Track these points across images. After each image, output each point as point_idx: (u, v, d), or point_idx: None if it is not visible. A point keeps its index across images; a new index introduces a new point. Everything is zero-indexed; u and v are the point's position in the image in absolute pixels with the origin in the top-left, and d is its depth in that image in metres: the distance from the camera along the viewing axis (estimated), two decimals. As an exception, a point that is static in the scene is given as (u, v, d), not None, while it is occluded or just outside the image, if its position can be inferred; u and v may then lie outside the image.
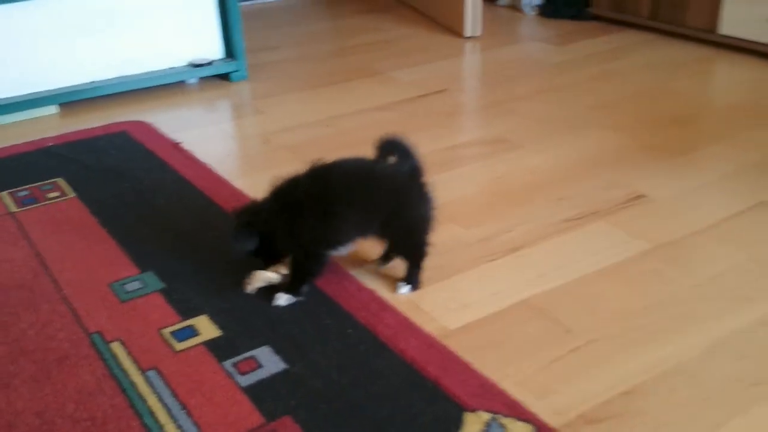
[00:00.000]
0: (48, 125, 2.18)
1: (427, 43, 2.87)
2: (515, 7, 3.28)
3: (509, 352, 1.20)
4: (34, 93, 2.23)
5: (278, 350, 1.21)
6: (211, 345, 1.23)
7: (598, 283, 1.37)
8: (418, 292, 1.36)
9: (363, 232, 1.33)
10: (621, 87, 2.37)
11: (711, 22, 2.67)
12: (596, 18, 3.07)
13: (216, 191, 1.75)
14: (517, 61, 2.68)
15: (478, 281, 1.38)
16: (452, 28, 2.98)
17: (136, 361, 1.20)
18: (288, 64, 2.70)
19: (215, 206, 1.68)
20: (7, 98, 2.19)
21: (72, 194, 1.76)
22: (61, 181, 1.82)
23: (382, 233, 1.33)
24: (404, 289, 1.36)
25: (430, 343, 1.22)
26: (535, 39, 2.93)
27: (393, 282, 1.38)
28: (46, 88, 2.25)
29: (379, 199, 1.30)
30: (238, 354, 1.21)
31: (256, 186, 1.70)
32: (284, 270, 1.36)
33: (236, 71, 2.51)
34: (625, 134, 2.01)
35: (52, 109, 2.27)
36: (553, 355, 1.19)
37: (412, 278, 1.36)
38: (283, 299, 1.32)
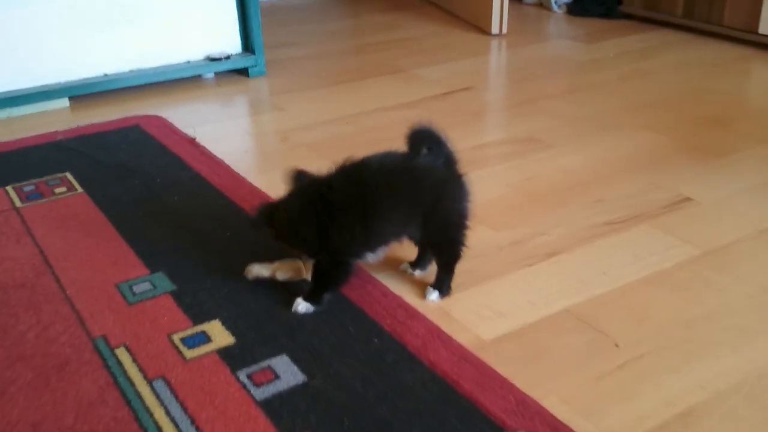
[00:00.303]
0: (58, 119, 2.09)
1: (451, 41, 2.77)
2: (542, 5, 3.18)
3: (551, 366, 1.09)
4: (44, 85, 2.15)
5: (297, 360, 1.11)
6: (225, 353, 1.13)
7: (645, 291, 1.26)
8: (448, 299, 1.25)
9: (399, 234, 1.23)
10: (656, 86, 2.26)
11: (750, 21, 2.55)
12: (627, 17, 2.96)
13: (232, 189, 1.65)
14: (546, 59, 2.57)
15: (512, 288, 1.28)
16: (478, 25, 2.88)
17: (142, 369, 1.10)
18: (307, 61, 2.61)
19: (231, 204, 1.59)
20: (16, 90, 2.12)
21: (80, 190, 1.67)
22: (69, 176, 1.73)
23: (419, 231, 1.23)
24: (433, 295, 1.25)
25: (463, 354, 1.11)
26: (563, 37, 2.83)
27: (421, 287, 1.28)
28: (57, 81, 2.17)
29: (420, 196, 1.19)
30: (254, 363, 1.11)
31: (273, 184, 1.62)
32: (283, 271, 1.28)
33: (254, 66, 2.42)
34: (664, 135, 1.90)
35: (63, 103, 2.19)
36: (600, 370, 1.08)
37: (443, 283, 1.26)
38: (302, 306, 1.22)
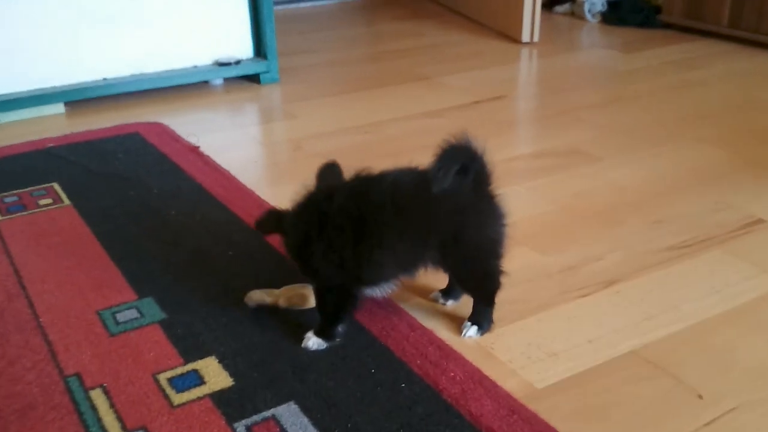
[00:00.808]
0: (52, 125, 1.92)
1: (477, 49, 2.59)
2: (575, 14, 2.99)
3: (622, 423, 0.88)
4: (38, 89, 1.98)
5: (308, 409, 0.91)
6: (220, 398, 0.93)
7: (726, 329, 1.05)
8: (489, 335, 1.05)
9: (409, 266, 1.02)
10: (706, 98, 2.06)
11: (804, 29, 2.35)
12: (666, 26, 2.77)
13: (237, 202, 1.46)
14: (583, 67, 2.38)
15: (566, 323, 1.07)
16: (506, 33, 2.69)
17: (120, 416, 0.91)
18: (323, 68, 2.42)
19: (235, 219, 1.39)
20: (7, 94, 1.94)
21: (67, 202, 1.48)
22: (56, 187, 1.55)
23: (439, 263, 1.03)
24: (471, 330, 1.05)
25: (512, 406, 0.90)
26: (599, 46, 2.63)
27: (456, 320, 1.08)
28: (52, 85, 1.99)
29: (435, 224, 0.98)
30: (255, 413, 0.91)
31: (285, 197, 1.43)
32: (287, 298, 1.10)
33: (267, 72, 2.23)
34: (722, 148, 1.69)
35: (58, 108, 2.01)
36: (684, 430, 0.87)
37: (482, 317, 1.06)
38: (312, 342, 1.02)
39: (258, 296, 1.10)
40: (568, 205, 1.43)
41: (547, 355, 1.00)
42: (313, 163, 1.64)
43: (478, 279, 1.05)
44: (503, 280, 1.05)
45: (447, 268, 1.04)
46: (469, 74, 2.29)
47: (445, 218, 0.98)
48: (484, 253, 1.03)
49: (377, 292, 1.03)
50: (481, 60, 2.45)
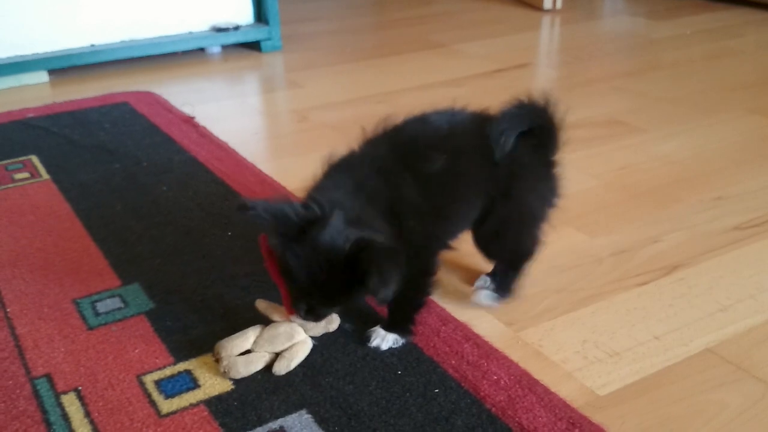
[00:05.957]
0: (34, 95, 1.75)
1: (495, 16, 2.42)
2: (596, -18, 2.81)
3: (711, 441, 0.72)
4: (19, 56, 1.81)
5: (323, 420, 0.75)
6: (217, 406, 0.78)
7: (817, 323, 0.89)
8: (538, 331, 0.88)
9: (471, 219, 0.88)
10: (750, 67, 1.90)
11: None
12: (696, -6, 2.60)
13: (236, 177, 1.30)
14: (611, 35, 2.21)
15: (626, 316, 0.91)
16: (525, 0, 2.52)
17: (97, 427, 0.76)
18: (329, 36, 2.25)
19: (234, 196, 1.23)
20: (-16, 60, 1.77)
21: (45, 176, 1.32)
22: (34, 160, 1.38)
23: (479, 222, 0.88)
24: (484, 295, 0.91)
25: (571, 418, 0.74)
26: (625, 13, 2.46)
27: (494, 311, 0.92)
28: (34, 51, 1.82)
29: (493, 168, 0.84)
30: (260, 424, 0.75)
31: (290, 171, 1.29)
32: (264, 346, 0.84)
33: (268, 39, 2.06)
34: (777, 120, 1.53)
35: (41, 77, 1.84)
36: (787, 450, 0.71)
37: (503, 282, 0.91)
38: (387, 340, 0.85)
39: (263, 307, 0.87)
40: (614, 180, 1.26)
41: (608, 354, 0.84)
42: (321, 134, 1.49)
43: (514, 243, 0.90)
44: (540, 252, 0.91)
45: (485, 227, 0.87)
46: (488, 42, 2.12)
47: (500, 168, 0.84)
48: (526, 216, 0.89)
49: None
50: (500, 27, 2.27)
